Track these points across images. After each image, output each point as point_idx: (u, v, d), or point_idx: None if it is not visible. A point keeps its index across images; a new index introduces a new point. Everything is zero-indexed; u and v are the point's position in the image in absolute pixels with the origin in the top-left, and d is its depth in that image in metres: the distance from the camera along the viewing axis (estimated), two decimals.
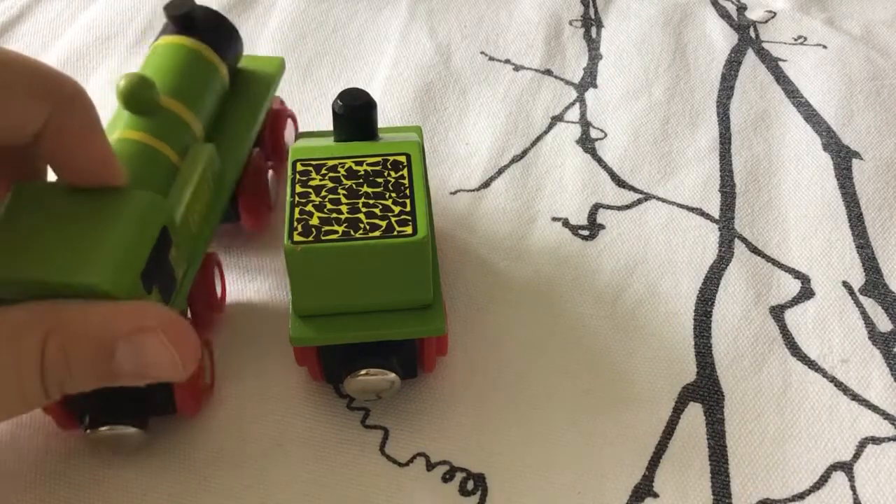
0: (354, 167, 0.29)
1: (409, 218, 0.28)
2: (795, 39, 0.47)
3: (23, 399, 0.23)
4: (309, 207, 0.28)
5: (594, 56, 0.46)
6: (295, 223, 0.28)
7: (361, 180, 0.29)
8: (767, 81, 0.44)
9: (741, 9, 0.49)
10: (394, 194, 0.29)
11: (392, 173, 0.29)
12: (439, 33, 0.46)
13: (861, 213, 0.37)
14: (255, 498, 0.28)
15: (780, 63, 0.45)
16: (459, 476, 0.29)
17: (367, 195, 0.29)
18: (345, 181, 0.29)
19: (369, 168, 0.30)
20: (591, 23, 0.48)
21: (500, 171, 0.39)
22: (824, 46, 0.46)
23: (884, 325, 0.33)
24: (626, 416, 0.30)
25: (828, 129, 0.41)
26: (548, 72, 0.44)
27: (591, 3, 0.49)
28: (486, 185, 0.39)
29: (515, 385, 0.31)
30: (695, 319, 0.33)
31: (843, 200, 0.38)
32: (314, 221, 0.28)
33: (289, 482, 0.28)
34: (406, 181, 0.29)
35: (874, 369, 0.32)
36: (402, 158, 0.30)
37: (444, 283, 0.34)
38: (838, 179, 0.39)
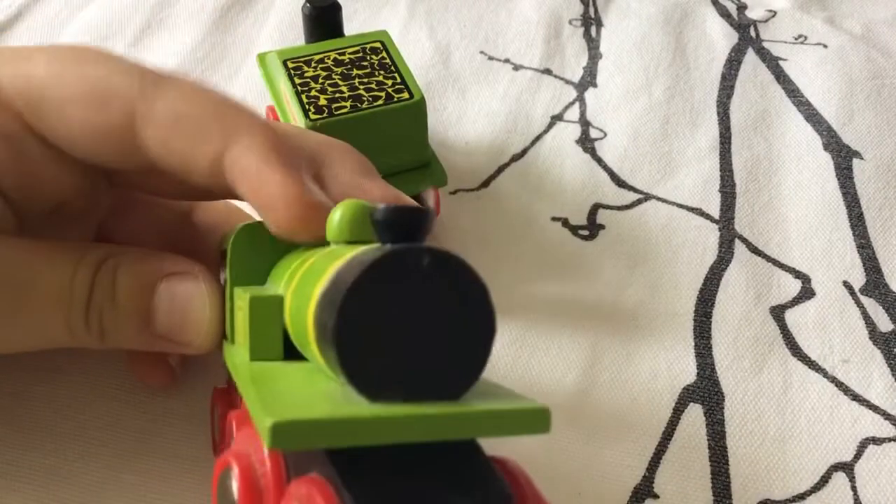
0: (339, 57, 0.34)
1: (403, 87, 0.32)
2: (796, 38, 0.47)
3: (66, 323, 0.24)
4: (313, 93, 0.32)
5: (594, 55, 0.46)
6: (307, 105, 0.31)
7: (350, 66, 0.33)
8: (768, 81, 0.44)
9: (741, 8, 0.48)
10: (382, 72, 0.33)
11: (373, 57, 0.34)
12: (438, 33, 0.46)
13: (862, 213, 0.37)
14: None
15: (781, 62, 0.45)
16: None
17: (359, 76, 0.33)
18: (335, 68, 0.33)
19: (352, 56, 0.34)
20: (590, 22, 0.48)
21: (499, 171, 0.39)
22: (825, 45, 0.46)
23: (884, 325, 0.33)
24: (626, 416, 0.30)
25: (828, 128, 0.41)
26: (547, 71, 0.44)
27: (590, 2, 0.49)
28: (485, 184, 0.39)
29: (514, 385, 0.31)
30: (695, 320, 0.33)
31: (844, 200, 0.38)
32: (322, 102, 0.32)
33: None
34: (388, 60, 0.33)
35: (875, 369, 0.32)
36: (378, 45, 0.34)
37: None
38: (839, 179, 0.39)
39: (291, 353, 0.21)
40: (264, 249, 0.23)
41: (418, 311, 0.16)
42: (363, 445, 0.16)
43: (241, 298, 0.22)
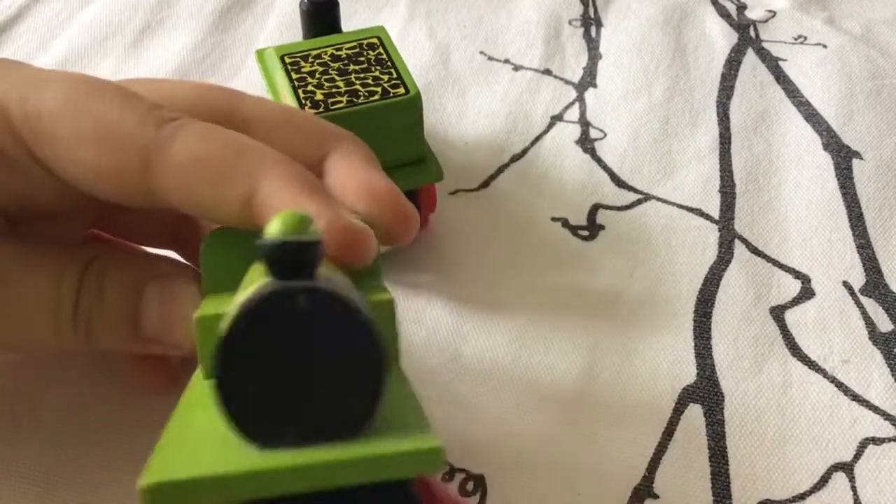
0: (336, 53, 0.34)
1: (399, 82, 0.33)
2: (795, 39, 0.47)
3: (54, 324, 0.24)
4: (310, 88, 0.32)
5: (594, 56, 0.46)
6: (303, 100, 0.32)
7: (346, 61, 0.33)
8: (767, 81, 0.44)
9: (741, 8, 0.48)
10: (378, 67, 0.33)
11: (370, 52, 0.34)
12: (438, 33, 0.46)
13: (861, 213, 0.37)
14: None
15: (780, 62, 0.45)
16: (459, 477, 0.29)
17: (356, 72, 0.33)
18: (332, 64, 0.33)
19: (349, 52, 0.34)
20: (590, 22, 0.48)
21: (499, 171, 0.39)
22: (824, 46, 0.46)
23: (884, 325, 0.33)
24: (626, 417, 0.30)
25: (828, 128, 0.41)
26: (547, 71, 0.44)
27: (590, 3, 0.49)
28: (485, 184, 0.39)
29: (515, 386, 0.31)
30: (694, 320, 0.33)
31: (844, 200, 0.38)
32: (319, 97, 0.32)
33: None
34: (385, 56, 0.34)
35: (874, 370, 0.32)
36: (375, 40, 0.34)
37: (443, 283, 0.34)
38: (839, 179, 0.39)
39: None
40: (239, 253, 0.23)
41: (301, 352, 0.16)
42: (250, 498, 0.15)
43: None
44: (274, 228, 0.17)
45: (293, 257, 0.16)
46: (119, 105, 0.23)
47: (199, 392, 0.20)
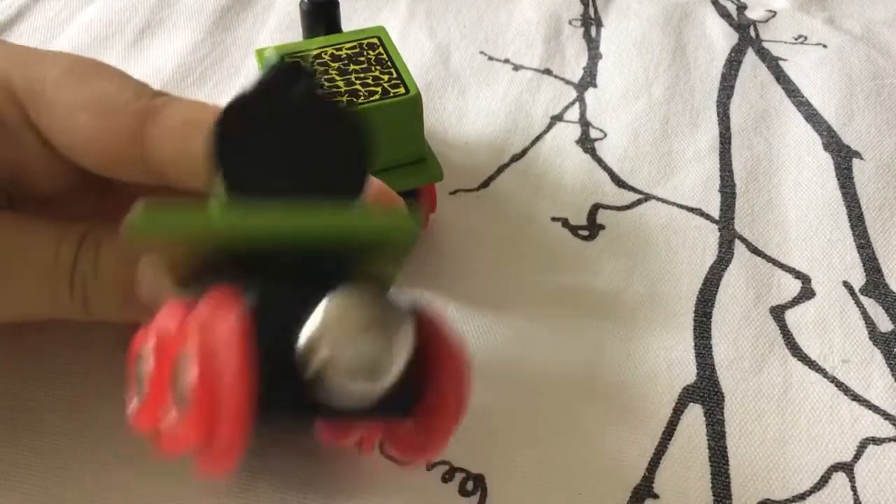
0: (336, 52, 0.34)
1: (399, 82, 0.33)
2: (796, 39, 0.47)
3: (51, 291, 0.24)
4: None
5: (594, 55, 0.46)
6: None
7: (347, 61, 0.33)
8: (768, 81, 0.44)
9: (741, 8, 0.48)
10: (378, 67, 0.33)
11: (370, 52, 0.34)
12: (438, 33, 0.46)
13: (862, 213, 0.37)
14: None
15: (781, 62, 0.45)
16: (459, 476, 0.29)
17: (356, 71, 0.33)
18: (332, 64, 0.33)
19: (349, 52, 0.34)
20: (590, 22, 0.48)
21: (499, 171, 0.39)
22: (824, 46, 0.46)
23: (884, 325, 0.33)
24: (625, 416, 0.30)
25: (828, 128, 0.41)
26: (547, 71, 0.44)
27: (590, 3, 0.49)
28: (485, 184, 0.39)
29: (515, 386, 0.31)
30: (694, 320, 0.33)
31: (844, 200, 0.38)
32: None
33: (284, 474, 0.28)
34: (385, 56, 0.34)
35: (875, 370, 0.32)
36: (375, 40, 0.34)
37: (444, 283, 0.34)
38: (839, 179, 0.39)
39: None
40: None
41: (294, 131, 0.18)
42: (221, 245, 0.18)
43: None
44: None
45: (293, 68, 0.19)
46: (118, 80, 0.25)
47: None
